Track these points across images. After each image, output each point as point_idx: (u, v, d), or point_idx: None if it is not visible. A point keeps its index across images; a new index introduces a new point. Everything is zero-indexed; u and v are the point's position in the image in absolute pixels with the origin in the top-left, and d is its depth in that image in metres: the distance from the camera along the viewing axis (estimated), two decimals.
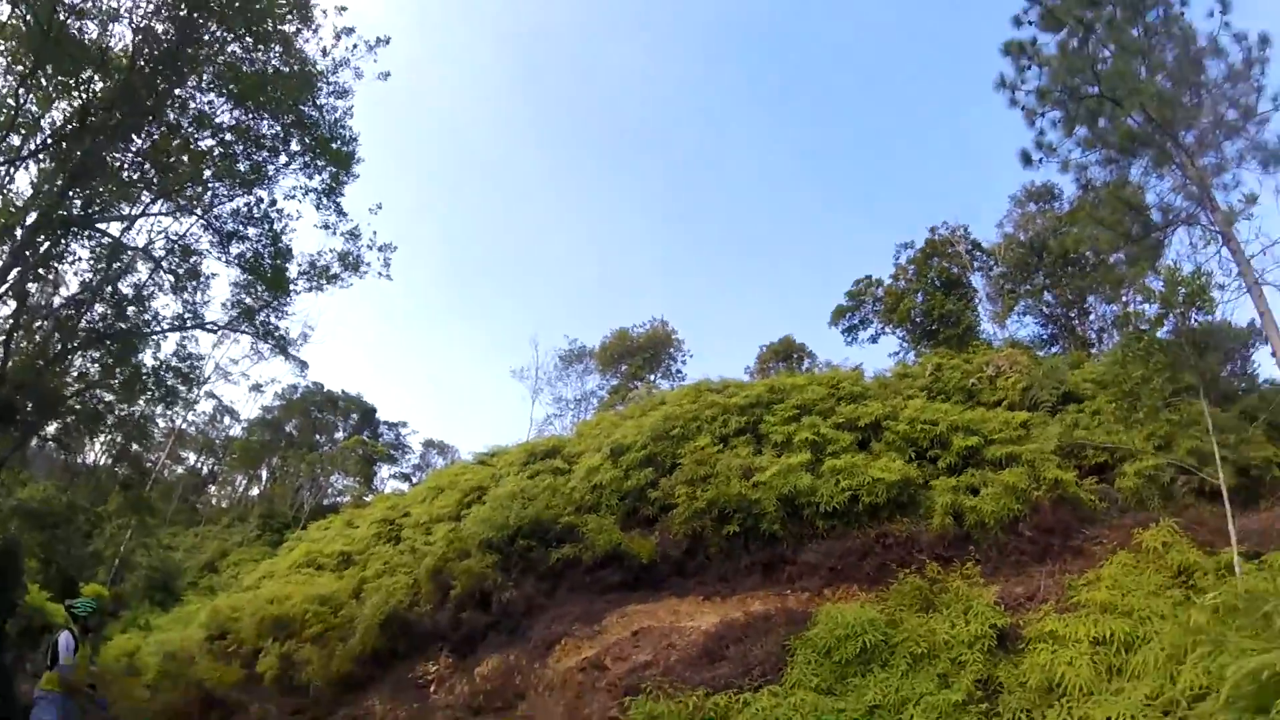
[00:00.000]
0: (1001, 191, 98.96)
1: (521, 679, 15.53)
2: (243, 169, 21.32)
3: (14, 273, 18.14)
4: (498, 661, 16.31)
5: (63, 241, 19.75)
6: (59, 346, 20.96)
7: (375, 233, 24.13)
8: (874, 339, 44.70)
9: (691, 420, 21.47)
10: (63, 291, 22.07)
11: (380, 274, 23.65)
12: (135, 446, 31.98)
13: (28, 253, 18.48)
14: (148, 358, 22.97)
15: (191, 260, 21.91)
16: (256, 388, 62.21)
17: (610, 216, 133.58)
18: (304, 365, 58.22)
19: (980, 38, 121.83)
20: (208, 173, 20.98)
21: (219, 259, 22.05)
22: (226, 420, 65.80)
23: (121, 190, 20.08)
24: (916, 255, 42.31)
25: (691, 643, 13.61)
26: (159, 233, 21.69)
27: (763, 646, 12.05)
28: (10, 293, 18.86)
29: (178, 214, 21.44)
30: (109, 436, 30.56)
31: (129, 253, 20.83)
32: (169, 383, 23.16)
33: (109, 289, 21.30)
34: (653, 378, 51.03)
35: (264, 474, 68.28)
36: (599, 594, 17.16)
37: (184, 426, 57.05)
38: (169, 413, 29.40)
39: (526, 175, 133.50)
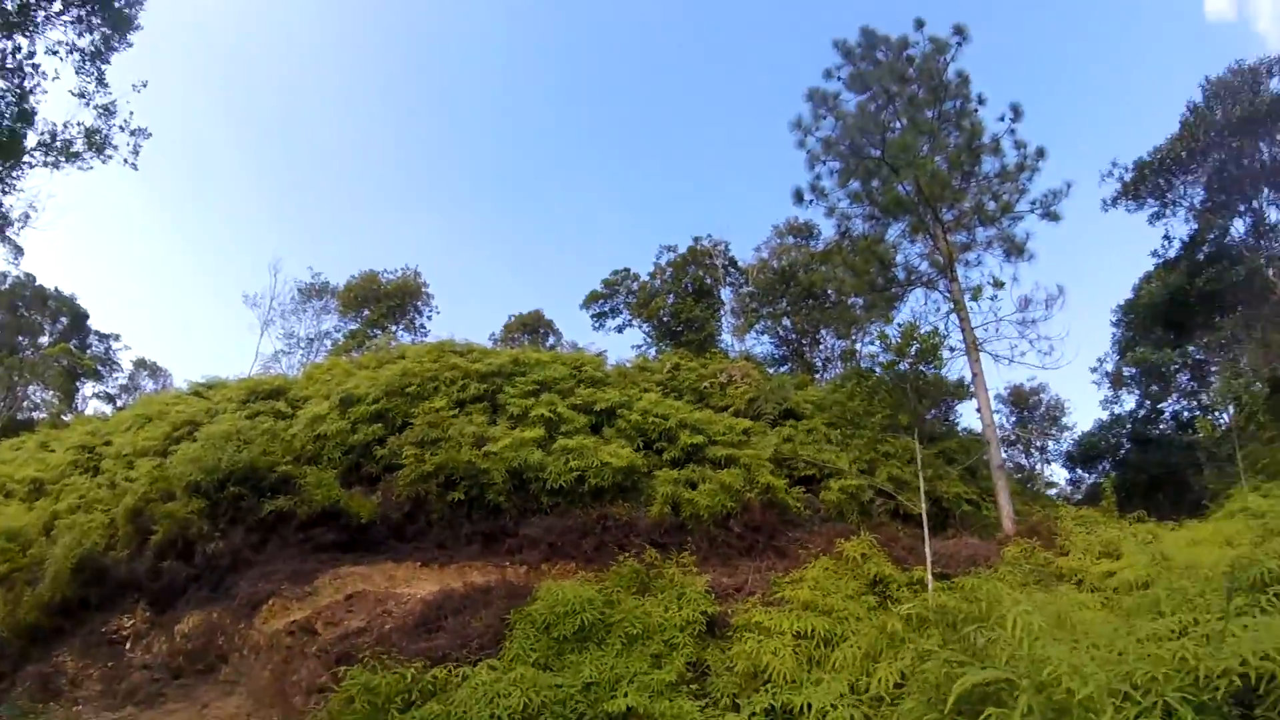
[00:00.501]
0: (766, 218, 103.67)
1: (225, 640, 14.65)
2: (9, 8, 18.93)
3: None
4: (200, 619, 15.26)
5: None
6: None
7: (132, 114, 21.70)
8: (621, 329, 46.05)
9: (430, 380, 21.10)
10: None
11: (127, 161, 21.59)
12: None
13: None
14: None
15: None
16: None
17: (381, 158, 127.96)
18: (19, 251, 51.89)
19: (784, 70, 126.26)
20: None
21: None
22: None
23: None
24: (677, 259, 43.92)
25: (408, 611, 13.25)
26: None
27: (482, 619, 11.84)
28: None
29: None
30: None
31: None
32: None
33: None
34: (395, 328, 49.23)
35: None
36: (312, 552, 16.32)
37: None
38: None
39: (312, 102, 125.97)
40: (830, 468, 21.19)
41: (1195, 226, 34.90)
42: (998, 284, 22.82)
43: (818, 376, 36.58)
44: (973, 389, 23.34)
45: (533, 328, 46.36)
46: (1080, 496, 37.98)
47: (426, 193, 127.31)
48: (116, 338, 62.28)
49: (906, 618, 9.84)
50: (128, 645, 16.17)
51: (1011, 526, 21.05)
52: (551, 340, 45.29)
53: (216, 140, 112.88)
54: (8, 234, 22.41)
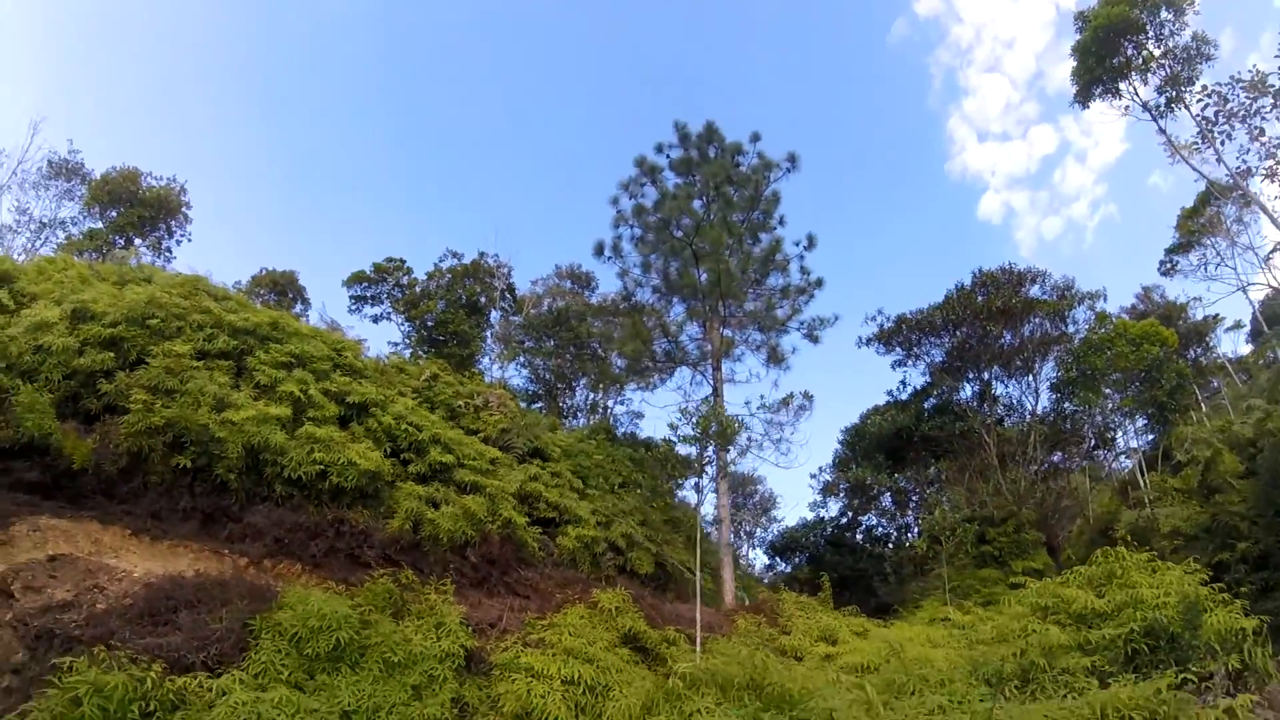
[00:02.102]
0: (547, 256, 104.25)
1: None
2: None
3: None
4: None
5: None
6: None
7: None
8: (377, 319, 43.98)
9: (177, 317, 18.44)
10: None
11: None
12: None
13: None
14: None
15: None
16: None
17: (176, 47, 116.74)
18: None
19: (600, 123, 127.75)
20: None
21: None
22: None
23: None
24: (458, 267, 42.72)
25: (126, 591, 11.24)
26: None
27: (222, 620, 10.18)
28: None
29: None
30: None
31: None
32: None
33: None
34: (140, 244, 44.39)
35: None
36: (9, 490, 13.59)
37: None
38: None
39: None
40: (571, 514, 20.96)
41: (929, 380, 41.05)
42: (765, 405, 25.48)
43: (565, 422, 36.58)
44: (714, 472, 24.22)
45: (283, 289, 43.36)
46: (777, 582, 40.43)
47: (209, 98, 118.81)
48: None
49: (682, 677, 10.52)
50: None
51: (732, 600, 22.67)
52: (300, 308, 42.38)
53: None
54: None
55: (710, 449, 21.89)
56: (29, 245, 43.60)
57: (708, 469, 23.02)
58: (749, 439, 25.45)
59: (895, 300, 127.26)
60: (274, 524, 15.20)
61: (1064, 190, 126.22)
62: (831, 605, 22.28)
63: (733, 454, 24.47)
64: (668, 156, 28.93)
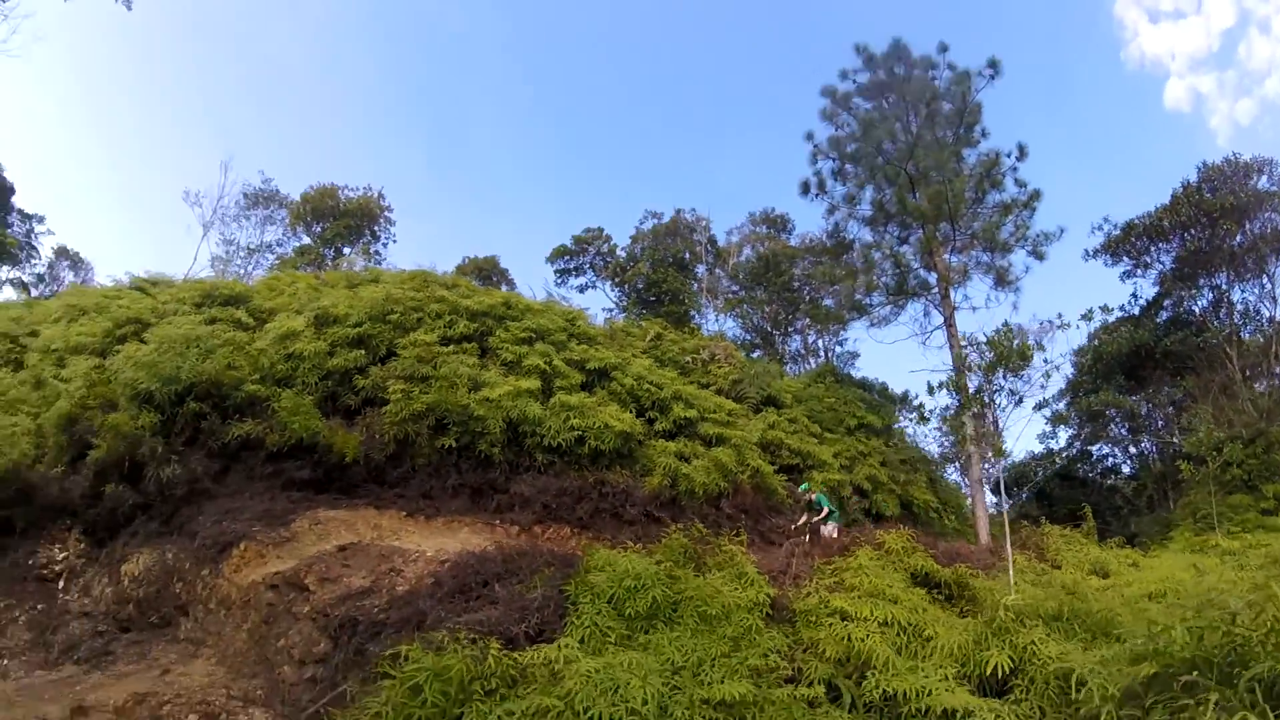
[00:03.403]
0: (740, 204, 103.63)
1: (185, 588, 12.60)
2: None
3: None
4: (152, 559, 13.10)
5: None
6: None
7: None
8: (583, 289, 44.45)
9: (414, 310, 19.21)
10: None
11: None
12: None
13: None
14: None
15: None
16: None
17: (350, 71, 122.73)
18: None
19: (762, 64, 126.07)
20: None
21: None
22: None
23: None
24: (659, 227, 42.63)
25: (425, 572, 11.39)
26: None
27: (538, 589, 10.18)
28: None
29: None
30: None
31: None
32: None
33: None
34: (349, 251, 46.49)
35: None
36: (282, 489, 14.38)
37: None
38: None
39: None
40: (814, 459, 20.47)
41: (1159, 290, 37.14)
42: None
43: (786, 368, 35.80)
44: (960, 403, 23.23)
45: (487, 274, 43.94)
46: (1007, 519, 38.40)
47: (393, 112, 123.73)
48: (41, 219, 55.41)
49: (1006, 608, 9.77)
50: (60, 583, 14.09)
51: (986, 537, 21.13)
52: (506, 289, 43.40)
53: (163, 29, 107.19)
54: None
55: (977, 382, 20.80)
56: (241, 271, 45.83)
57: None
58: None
59: (1090, 209, 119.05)
60: (539, 491, 15.46)
61: (1252, 67, 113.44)
62: (1096, 538, 21.20)
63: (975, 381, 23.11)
64: (854, 82, 27.36)
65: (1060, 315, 25.49)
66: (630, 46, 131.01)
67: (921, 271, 26.30)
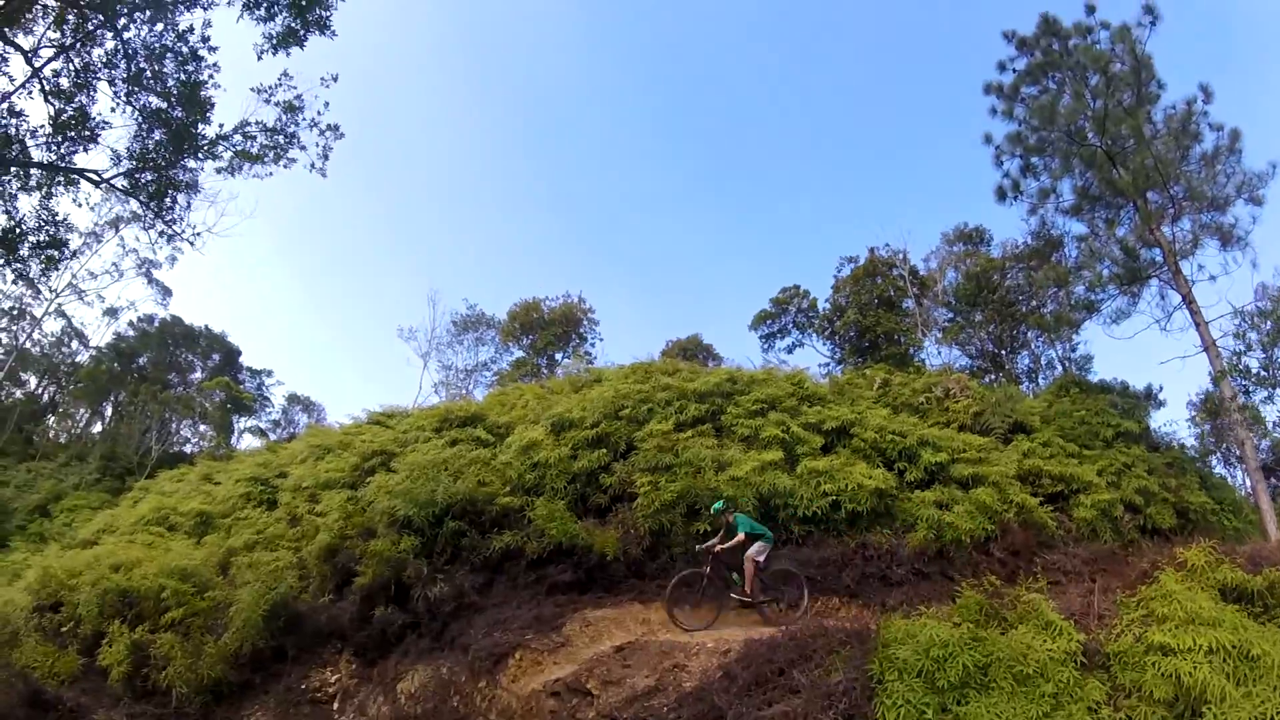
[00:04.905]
0: (925, 227, 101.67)
1: (463, 702, 12.67)
2: None
3: None
4: (427, 674, 13.35)
5: None
6: None
7: (327, 105, 19.60)
8: (791, 349, 44.18)
9: (643, 402, 19.13)
10: None
11: (314, 166, 19.50)
12: None
13: None
14: None
15: (85, 84, 17.47)
16: (111, 312, 55.67)
17: (522, 191, 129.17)
18: (167, 292, 55.17)
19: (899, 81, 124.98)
20: None
21: (119, 96, 17.62)
22: (75, 345, 58.13)
23: None
24: (857, 270, 41.85)
25: (711, 665, 11.00)
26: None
27: (840, 671, 9.68)
28: None
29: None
30: None
31: None
32: (22, 248, 18.13)
33: None
34: (561, 356, 48.29)
35: (109, 410, 60.41)
36: (546, 594, 14.49)
37: (28, 345, 52.22)
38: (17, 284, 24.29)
39: (442, 141, 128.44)
40: (1078, 482, 18.96)
41: None
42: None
43: (1022, 388, 33.94)
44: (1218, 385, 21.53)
45: (691, 352, 44.31)
46: None
47: (575, 221, 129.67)
48: (269, 373, 64.06)
49: None
50: (334, 705, 14.53)
51: (1276, 532, 19.37)
52: (712, 365, 43.56)
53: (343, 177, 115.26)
54: (175, 236, 19.89)
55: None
56: (462, 392, 48.79)
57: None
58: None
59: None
60: (802, 564, 14.91)
61: None
62: None
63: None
64: (1013, 70, 26.11)
65: None
66: (778, 97, 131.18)
67: (1144, 251, 24.33)
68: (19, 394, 56.48)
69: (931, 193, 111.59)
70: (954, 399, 22.37)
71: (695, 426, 18.32)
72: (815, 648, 10.34)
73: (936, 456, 18.09)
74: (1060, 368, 35.63)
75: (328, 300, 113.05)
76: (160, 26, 17.60)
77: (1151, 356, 47.35)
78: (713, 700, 9.74)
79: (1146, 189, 23.19)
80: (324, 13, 17.89)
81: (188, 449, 52.58)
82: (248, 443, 53.48)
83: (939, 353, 38.30)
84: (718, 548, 13.88)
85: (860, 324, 38.47)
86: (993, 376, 36.38)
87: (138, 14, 17.31)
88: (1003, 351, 38.20)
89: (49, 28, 17.40)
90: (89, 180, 18.10)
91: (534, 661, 12.57)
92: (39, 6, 17.06)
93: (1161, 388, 28.28)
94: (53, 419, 61.21)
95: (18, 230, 17.95)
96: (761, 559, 13.85)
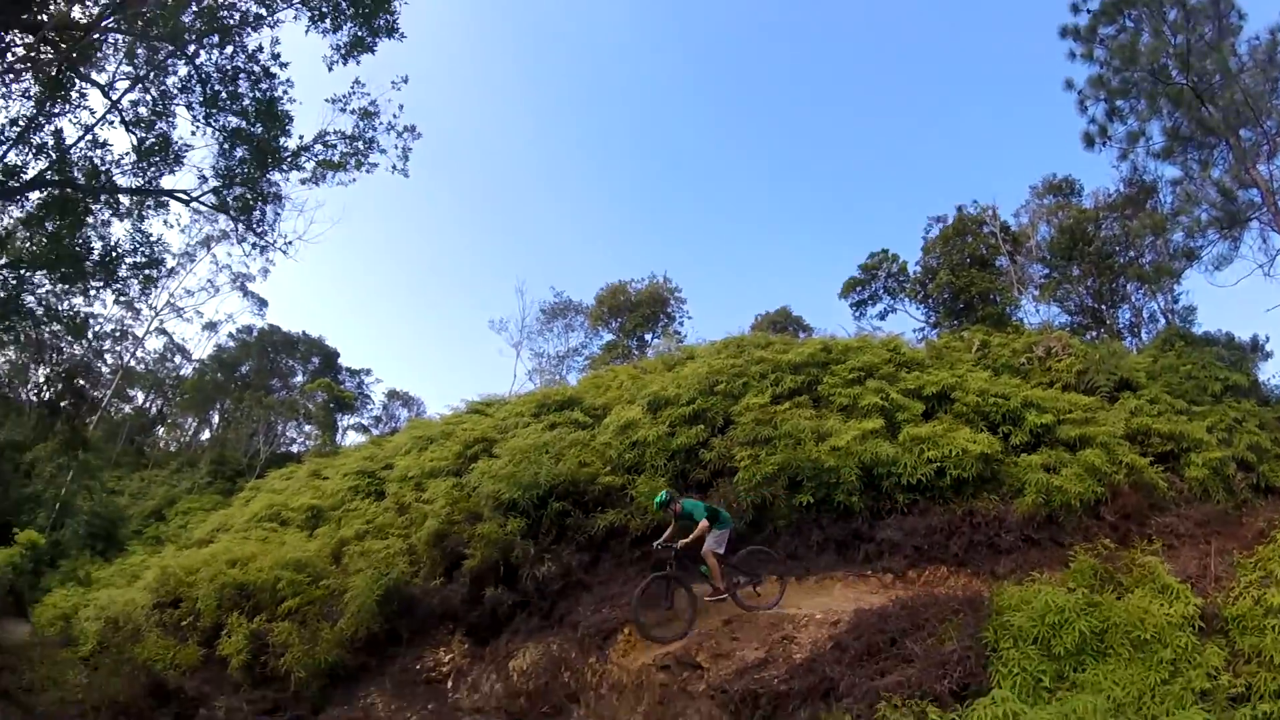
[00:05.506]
0: (1012, 181, 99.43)
1: (573, 677, 12.97)
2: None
3: None
4: (538, 653, 13.70)
5: None
6: None
7: (401, 108, 20.62)
8: (883, 315, 43.28)
9: (738, 376, 19.02)
10: None
11: (395, 167, 20.23)
12: (79, 381, 27.76)
13: None
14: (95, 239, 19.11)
15: (163, 111, 18.28)
16: (210, 326, 58.97)
17: (604, 170, 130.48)
18: (263, 304, 57.54)
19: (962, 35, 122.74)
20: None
21: (197, 119, 18.51)
22: (178, 359, 61.70)
23: None
24: (946, 229, 40.79)
25: (821, 635, 11.02)
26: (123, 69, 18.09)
27: (954, 640, 9.62)
28: None
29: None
30: (50, 369, 26.69)
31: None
32: (120, 270, 19.28)
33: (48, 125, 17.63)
34: (650, 337, 48.35)
35: (215, 418, 64.26)
36: (652, 568, 14.32)
37: (133, 363, 53.80)
38: (118, 306, 25.37)
39: (520, 132, 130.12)
40: (1189, 440, 18.20)
41: None
42: None
43: (1125, 342, 32.89)
44: None
45: (781, 325, 43.75)
46: None
47: (659, 201, 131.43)
48: (368, 372, 66.58)
49: None
50: (449, 684, 14.90)
51: None
52: (802, 336, 43.08)
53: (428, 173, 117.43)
54: (265, 245, 20.94)
55: None
56: (554, 376, 49.40)
57: None
58: None
59: None
60: (907, 534, 14.72)
61: None
62: None
63: None
64: (1088, 11, 24.91)
65: None
66: (858, 65, 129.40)
67: (1241, 193, 23.35)
68: (128, 409, 59.13)
69: (1014, 146, 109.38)
70: (1056, 358, 21.86)
71: (792, 398, 18.14)
72: (927, 616, 10.32)
73: (1041, 418, 17.66)
74: (1163, 320, 34.27)
75: (420, 298, 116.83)
76: (230, 49, 18.30)
77: (1256, 304, 45.10)
78: (824, 671, 9.79)
79: (1239, 126, 22.30)
80: (390, 17, 18.41)
81: (294, 449, 54.48)
82: (352, 439, 55.71)
83: (1037, 310, 37.21)
84: (679, 543, 13.13)
85: (954, 285, 37.41)
86: (1094, 333, 35.21)
87: (206, 40, 17.94)
88: (1103, 306, 36.76)
89: (121, 62, 18.12)
90: (178, 200, 19.21)
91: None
92: (110, 42, 17.69)
93: (1269, 338, 26.84)
94: (162, 430, 64.91)
95: (114, 254, 18.91)
96: (721, 549, 13.28)
